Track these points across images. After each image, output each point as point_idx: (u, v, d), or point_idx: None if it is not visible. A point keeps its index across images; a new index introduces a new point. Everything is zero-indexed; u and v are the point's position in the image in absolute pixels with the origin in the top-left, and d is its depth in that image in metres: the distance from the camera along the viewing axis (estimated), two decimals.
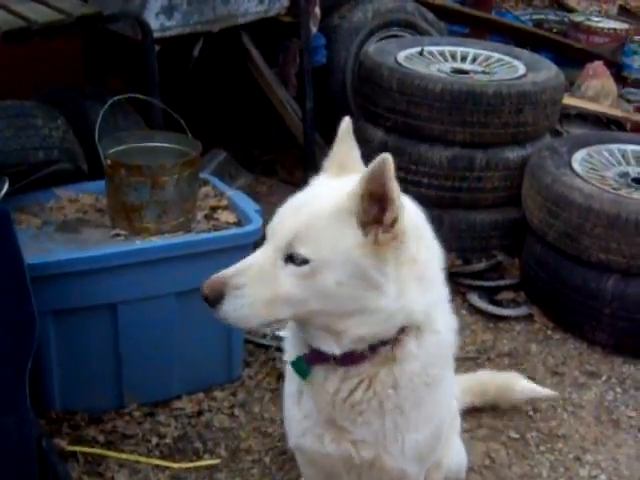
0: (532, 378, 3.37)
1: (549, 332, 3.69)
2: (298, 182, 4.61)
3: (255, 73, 4.57)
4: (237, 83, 4.69)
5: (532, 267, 3.76)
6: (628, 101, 5.30)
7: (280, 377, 3.29)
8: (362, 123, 4.19)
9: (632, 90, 5.46)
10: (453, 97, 3.83)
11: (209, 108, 4.74)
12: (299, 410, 2.05)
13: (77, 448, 2.84)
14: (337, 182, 1.85)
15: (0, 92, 3.64)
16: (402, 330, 1.83)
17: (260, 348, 3.45)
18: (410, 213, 1.82)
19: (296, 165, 4.89)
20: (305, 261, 1.70)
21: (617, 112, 5.03)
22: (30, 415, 2.28)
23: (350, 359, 1.86)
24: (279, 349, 3.41)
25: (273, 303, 1.73)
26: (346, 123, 1.95)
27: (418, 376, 1.90)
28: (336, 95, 4.74)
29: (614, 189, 3.59)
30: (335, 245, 1.70)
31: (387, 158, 1.64)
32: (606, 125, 5.04)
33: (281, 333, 3.42)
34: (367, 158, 4.29)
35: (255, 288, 1.72)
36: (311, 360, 1.91)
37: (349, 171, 1.88)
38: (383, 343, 1.84)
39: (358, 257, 1.70)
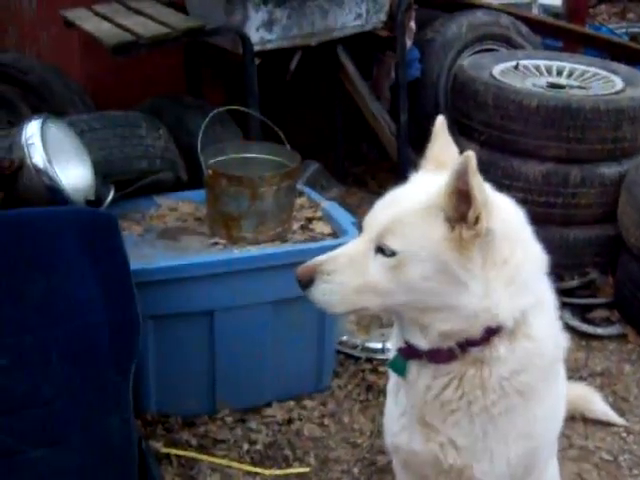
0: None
1: None
2: None
3: (349, 86, 4.61)
4: (331, 95, 4.74)
5: (627, 286, 3.70)
6: None
7: (369, 389, 3.32)
8: (456, 137, 4.10)
9: None
10: (549, 112, 3.79)
11: (302, 120, 4.80)
12: (396, 407, 2.08)
13: (171, 451, 2.91)
14: (432, 178, 1.86)
15: (106, 102, 3.79)
16: (494, 332, 1.82)
17: (350, 359, 3.48)
18: (505, 214, 1.81)
19: (387, 178, 4.90)
20: (393, 253, 1.75)
21: None
22: (132, 417, 2.36)
23: (440, 356, 1.87)
24: (369, 360, 3.46)
25: (361, 291, 1.79)
26: (440, 120, 1.97)
27: (507, 380, 1.87)
28: (429, 109, 4.75)
29: None
30: (422, 239, 1.74)
31: (469, 155, 1.65)
32: None
33: (371, 345, 3.48)
34: None
35: (345, 275, 1.79)
36: (405, 354, 1.94)
37: (446, 167, 1.86)
38: (472, 343, 1.84)
39: (443, 251, 1.72)
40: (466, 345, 1.84)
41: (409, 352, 1.92)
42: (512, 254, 1.78)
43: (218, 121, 3.60)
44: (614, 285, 3.90)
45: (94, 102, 3.95)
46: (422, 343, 1.86)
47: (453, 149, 1.96)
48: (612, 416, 3.17)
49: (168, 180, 3.43)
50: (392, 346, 2.07)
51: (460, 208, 1.71)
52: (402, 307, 1.82)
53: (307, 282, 1.81)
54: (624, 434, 3.14)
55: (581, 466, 2.97)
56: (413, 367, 1.94)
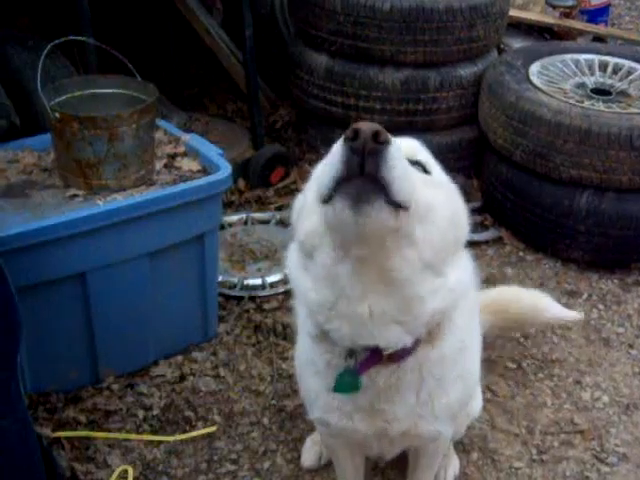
0: None
1: (521, 254, 3.62)
2: (233, 116, 4.37)
3: (177, 1, 4.22)
4: (159, 13, 4.33)
5: (497, 189, 3.66)
6: (553, 7, 5.19)
7: (258, 329, 3.11)
8: (302, 49, 3.93)
9: None
10: (403, 15, 3.60)
11: (129, 41, 4.36)
12: (321, 383, 1.86)
13: (61, 434, 2.60)
14: None
15: None
16: None
17: (231, 300, 3.25)
18: None
19: (226, 98, 4.60)
20: (426, 171, 1.64)
21: (550, 19, 4.92)
22: (28, 414, 2.03)
23: (405, 350, 1.68)
24: (252, 299, 3.24)
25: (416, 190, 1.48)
26: None
27: (457, 340, 1.80)
28: (263, 21, 4.43)
29: (578, 102, 3.50)
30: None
31: None
32: (539, 34, 4.93)
33: (250, 282, 3.26)
34: (311, 85, 4.03)
35: (409, 167, 1.48)
36: (364, 367, 1.71)
37: None
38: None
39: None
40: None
41: (369, 362, 1.70)
42: None
43: (46, 55, 3.15)
44: (482, 189, 3.86)
45: None
46: (404, 338, 1.62)
47: None
48: (569, 314, 2.87)
49: (2, 128, 2.97)
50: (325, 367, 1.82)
51: None
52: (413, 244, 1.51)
53: (385, 137, 1.40)
54: (522, 339, 3.14)
55: (489, 378, 2.92)
56: (368, 374, 1.74)
